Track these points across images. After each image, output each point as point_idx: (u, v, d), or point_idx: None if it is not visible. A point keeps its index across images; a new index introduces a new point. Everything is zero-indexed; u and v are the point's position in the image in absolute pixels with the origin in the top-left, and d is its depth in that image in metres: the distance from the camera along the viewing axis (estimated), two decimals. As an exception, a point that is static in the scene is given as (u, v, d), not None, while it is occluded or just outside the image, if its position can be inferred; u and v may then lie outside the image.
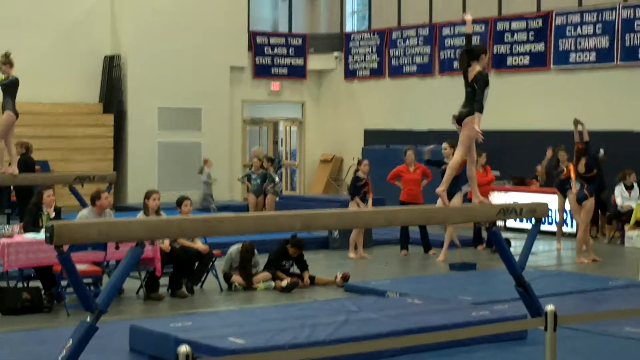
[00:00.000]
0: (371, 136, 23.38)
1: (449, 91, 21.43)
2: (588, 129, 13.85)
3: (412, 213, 8.18)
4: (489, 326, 7.35)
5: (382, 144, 21.97)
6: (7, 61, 11.00)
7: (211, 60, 22.52)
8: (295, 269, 11.99)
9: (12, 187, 16.74)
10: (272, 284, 11.61)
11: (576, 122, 14.00)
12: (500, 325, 7.28)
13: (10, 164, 11.62)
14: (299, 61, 24.49)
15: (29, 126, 19.61)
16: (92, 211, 10.64)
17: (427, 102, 22.07)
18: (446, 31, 21.74)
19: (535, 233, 8.07)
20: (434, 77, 22.09)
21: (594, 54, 18.80)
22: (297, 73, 24.52)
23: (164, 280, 11.08)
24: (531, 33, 19.96)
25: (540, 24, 19.76)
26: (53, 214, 10.85)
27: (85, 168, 19.54)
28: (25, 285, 10.42)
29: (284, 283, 11.50)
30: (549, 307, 6.23)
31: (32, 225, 10.75)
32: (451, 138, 14.57)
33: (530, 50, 19.90)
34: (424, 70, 22.30)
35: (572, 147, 14.07)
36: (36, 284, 10.39)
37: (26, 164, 16.26)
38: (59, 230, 5.90)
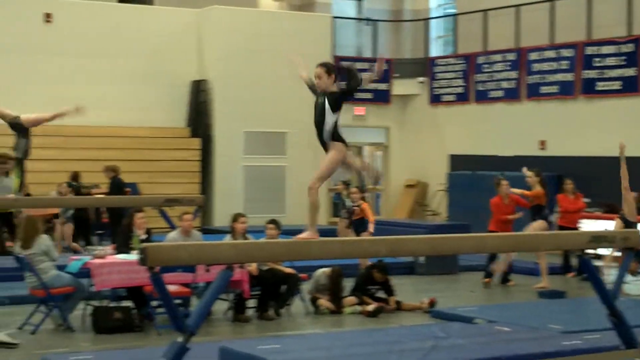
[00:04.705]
0: (456, 161, 23.21)
1: (535, 116, 21.22)
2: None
3: (502, 240, 8.08)
4: (582, 357, 7.22)
5: (467, 170, 21.81)
6: None
7: (295, 85, 22.60)
8: (381, 294, 11.96)
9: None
10: (358, 308, 11.59)
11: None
12: (593, 356, 7.14)
13: None
14: (383, 86, 24.48)
15: (118, 149, 20.02)
16: (180, 233, 10.90)
17: (514, 128, 21.84)
18: (533, 56, 21.52)
19: (628, 262, 7.89)
20: (521, 102, 21.86)
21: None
22: (382, 98, 24.52)
23: (250, 302, 11.15)
24: (622, 57, 19.64)
25: (633, 48, 19.42)
26: (144, 236, 11.04)
27: (172, 191, 19.79)
28: (117, 304, 10.60)
29: (371, 308, 11.47)
30: (645, 338, 6.10)
31: (124, 246, 10.94)
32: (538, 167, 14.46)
33: (621, 75, 19.57)
34: (511, 96, 22.09)
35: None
36: (128, 303, 10.56)
37: (117, 186, 16.64)
38: (153, 252, 5.98)
